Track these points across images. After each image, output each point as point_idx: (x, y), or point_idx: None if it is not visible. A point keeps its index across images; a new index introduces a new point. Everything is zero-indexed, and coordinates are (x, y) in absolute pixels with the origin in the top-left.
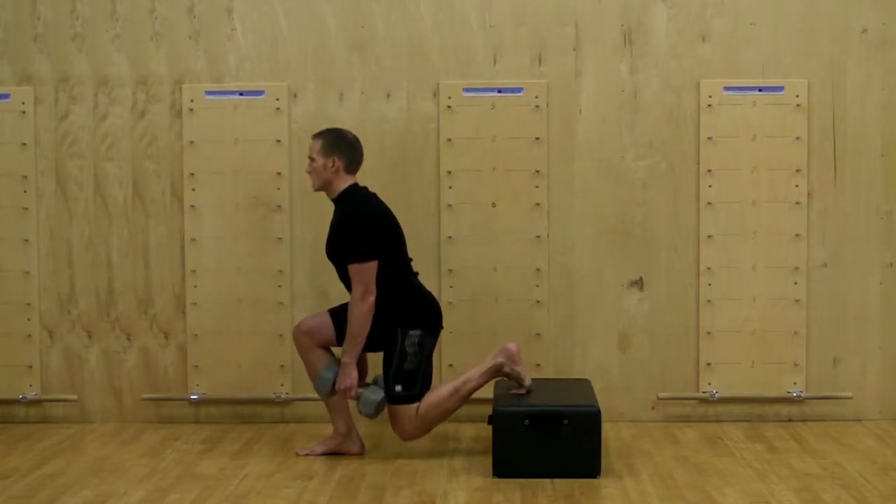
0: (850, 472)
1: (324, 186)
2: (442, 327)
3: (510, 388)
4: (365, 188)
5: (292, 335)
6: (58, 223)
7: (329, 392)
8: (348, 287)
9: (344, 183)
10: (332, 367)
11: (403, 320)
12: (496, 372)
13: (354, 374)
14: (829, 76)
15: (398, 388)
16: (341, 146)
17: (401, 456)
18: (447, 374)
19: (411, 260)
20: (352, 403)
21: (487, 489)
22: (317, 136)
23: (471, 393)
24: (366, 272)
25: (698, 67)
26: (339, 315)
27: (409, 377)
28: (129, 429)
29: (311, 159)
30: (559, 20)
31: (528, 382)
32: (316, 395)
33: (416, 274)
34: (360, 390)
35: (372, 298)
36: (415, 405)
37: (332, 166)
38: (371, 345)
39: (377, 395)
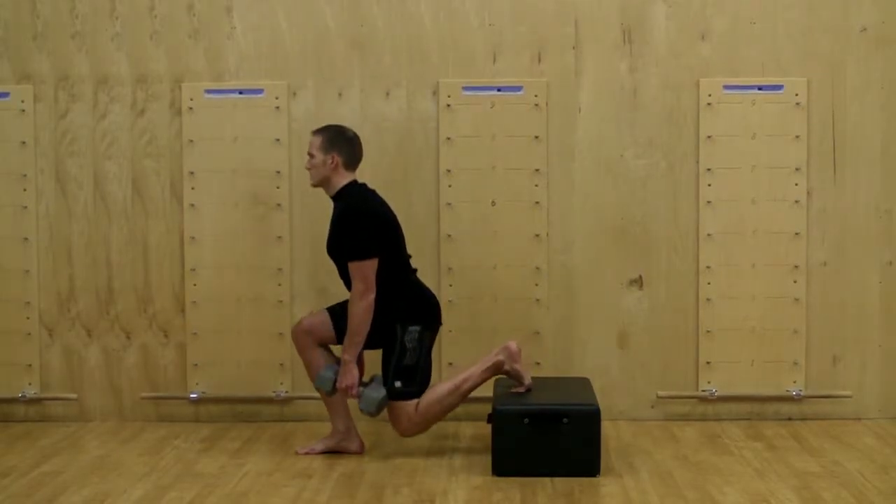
0: (849, 471)
1: (322, 183)
2: (441, 323)
3: (510, 387)
4: (364, 185)
5: (291, 334)
6: (57, 222)
7: (330, 391)
8: (348, 285)
9: (343, 179)
10: (332, 365)
11: (402, 316)
12: (496, 370)
13: (355, 372)
14: (828, 75)
15: (398, 384)
16: (340, 143)
17: (400, 454)
18: (447, 373)
19: (410, 257)
20: (353, 403)
21: (487, 488)
22: (316, 132)
23: (471, 390)
24: (366, 269)
25: (698, 66)
26: (339, 313)
27: (408, 373)
28: (128, 427)
29: (311, 155)
30: (559, 19)
31: (528, 381)
32: (315, 394)
33: (415, 270)
34: (361, 389)
35: (372, 296)
36: (414, 402)
37: (332, 163)
38: (370, 342)
39: (379, 392)
